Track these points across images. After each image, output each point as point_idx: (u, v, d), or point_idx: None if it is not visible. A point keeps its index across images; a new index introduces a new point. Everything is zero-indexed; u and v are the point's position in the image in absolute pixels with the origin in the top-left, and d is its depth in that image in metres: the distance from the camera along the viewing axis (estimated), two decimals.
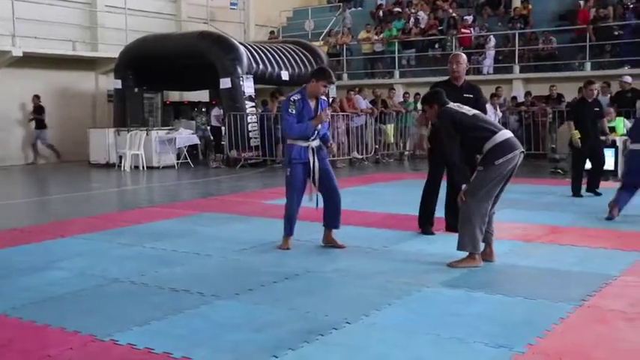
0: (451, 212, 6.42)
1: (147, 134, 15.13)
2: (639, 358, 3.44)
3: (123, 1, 18.51)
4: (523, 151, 5.35)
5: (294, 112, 5.90)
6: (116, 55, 17.12)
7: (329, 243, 6.16)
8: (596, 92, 9.51)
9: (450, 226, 6.50)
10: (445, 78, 6.83)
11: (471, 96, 6.44)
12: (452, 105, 5.50)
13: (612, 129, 11.33)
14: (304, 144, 5.97)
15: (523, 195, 9.05)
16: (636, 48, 16.36)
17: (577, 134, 9.18)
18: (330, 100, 13.80)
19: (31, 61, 16.63)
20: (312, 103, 5.99)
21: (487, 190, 5.22)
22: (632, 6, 17.20)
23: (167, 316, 4.13)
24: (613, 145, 11.12)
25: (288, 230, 6.12)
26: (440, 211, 6.81)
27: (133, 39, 17.16)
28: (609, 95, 14.14)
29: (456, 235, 5.43)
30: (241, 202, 9.42)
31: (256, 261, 5.67)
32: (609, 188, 8.98)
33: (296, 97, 5.96)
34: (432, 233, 6.67)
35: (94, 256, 5.94)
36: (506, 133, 5.31)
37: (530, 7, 19.16)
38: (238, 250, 6.05)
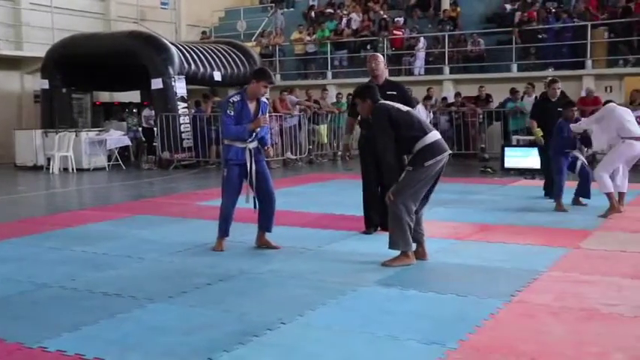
0: (382, 211, 6.47)
1: (76, 135, 14.73)
2: (564, 349, 3.56)
3: None
4: (450, 153, 5.46)
5: (232, 113, 5.87)
6: (42, 54, 16.60)
7: (263, 244, 6.15)
8: (559, 91, 9.02)
9: (382, 226, 6.56)
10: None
11: (395, 93, 6.50)
12: (385, 102, 5.55)
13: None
14: (241, 145, 5.95)
15: (454, 194, 9.23)
16: (559, 50, 16.95)
17: (539, 132, 8.88)
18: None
19: None
20: (252, 105, 5.97)
21: (415, 190, 5.27)
22: (554, 10, 17.78)
23: (98, 321, 4.04)
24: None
25: (224, 231, 6.08)
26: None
27: (60, 38, 16.70)
28: (534, 96, 14.55)
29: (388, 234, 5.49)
30: (174, 203, 9.29)
31: (190, 263, 5.61)
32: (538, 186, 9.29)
33: (235, 98, 5.95)
34: (370, 233, 6.71)
35: (20, 261, 5.75)
36: (435, 135, 5.38)
37: (458, 9, 19.57)
38: (172, 253, 5.97)
